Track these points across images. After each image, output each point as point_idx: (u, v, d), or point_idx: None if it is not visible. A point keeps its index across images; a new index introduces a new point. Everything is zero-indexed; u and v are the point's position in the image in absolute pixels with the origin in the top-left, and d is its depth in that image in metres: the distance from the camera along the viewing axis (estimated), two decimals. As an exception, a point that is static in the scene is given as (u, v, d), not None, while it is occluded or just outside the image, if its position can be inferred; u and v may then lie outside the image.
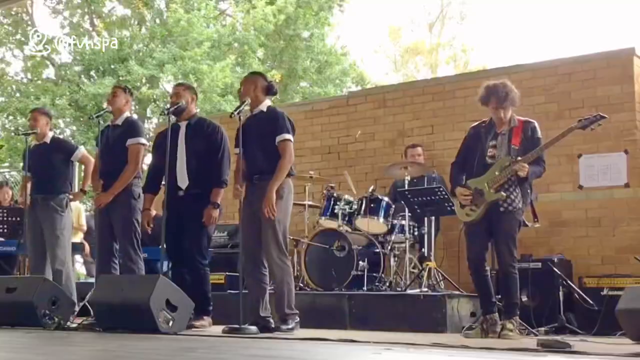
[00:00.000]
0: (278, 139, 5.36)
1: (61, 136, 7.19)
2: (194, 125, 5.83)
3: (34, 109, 7.05)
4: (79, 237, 8.29)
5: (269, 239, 5.27)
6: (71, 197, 6.62)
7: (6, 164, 19.73)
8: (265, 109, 5.49)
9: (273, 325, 5.29)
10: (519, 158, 5.16)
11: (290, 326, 5.21)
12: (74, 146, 6.92)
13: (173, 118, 5.81)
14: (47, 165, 6.62)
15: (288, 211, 5.43)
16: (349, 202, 7.11)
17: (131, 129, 6.07)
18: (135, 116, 6.39)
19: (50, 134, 6.80)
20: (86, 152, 6.80)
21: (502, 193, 5.21)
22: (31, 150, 6.79)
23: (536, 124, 5.38)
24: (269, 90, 5.53)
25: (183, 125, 5.83)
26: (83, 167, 6.80)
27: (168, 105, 5.94)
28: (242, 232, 5.44)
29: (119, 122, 6.14)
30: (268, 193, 5.22)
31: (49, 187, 6.57)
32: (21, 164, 7.27)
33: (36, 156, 6.71)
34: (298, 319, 5.33)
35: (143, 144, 6.10)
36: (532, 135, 5.32)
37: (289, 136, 5.38)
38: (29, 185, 6.65)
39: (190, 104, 5.84)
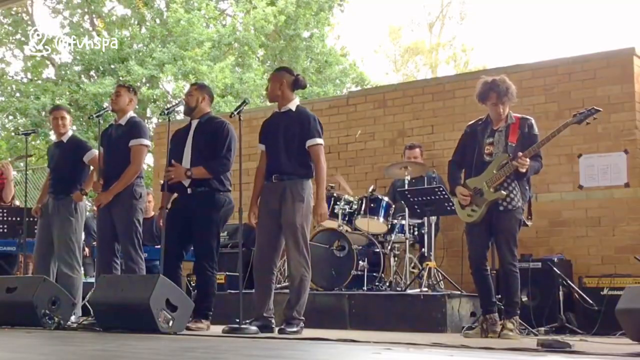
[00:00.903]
0: (309, 143, 5.28)
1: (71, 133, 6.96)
2: (204, 123, 5.77)
3: (60, 107, 6.96)
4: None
5: (290, 242, 5.24)
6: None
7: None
8: (294, 108, 5.39)
9: (274, 326, 5.30)
10: (520, 153, 5.14)
11: (295, 329, 5.17)
12: (88, 147, 6.69)
13: (183, 117, 5.75)
14: (61, 164, 6.60)
15: (310, 214, 5.36)
16: (349, 202, 7.11)
17: (134, 129, 6.03)
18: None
19: (69, 133, 6.76)
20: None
21: (502, 192, 5.21)
22: (51, 148, 6.85)
23: (533, 121, 5.38)
24: (297, 85, 5.40)
25: (194, 123, 5.80)
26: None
27: (168, 106, 5.94)
28: (258, 230, 5.44)
29: (123, 122, 6.11)
30: (322, 204, 5.28)
31: (61, 187, 6.53)
32: (22, 164, 7.25)
33: (53, 155, 6.71)
34: (303, 325, 5.29)
35: (146, 145, 6.08)
36: (529, 132, 5.31)
37: (320, 140, 5.31)
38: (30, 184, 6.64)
39: (200, 103, 5.78)
